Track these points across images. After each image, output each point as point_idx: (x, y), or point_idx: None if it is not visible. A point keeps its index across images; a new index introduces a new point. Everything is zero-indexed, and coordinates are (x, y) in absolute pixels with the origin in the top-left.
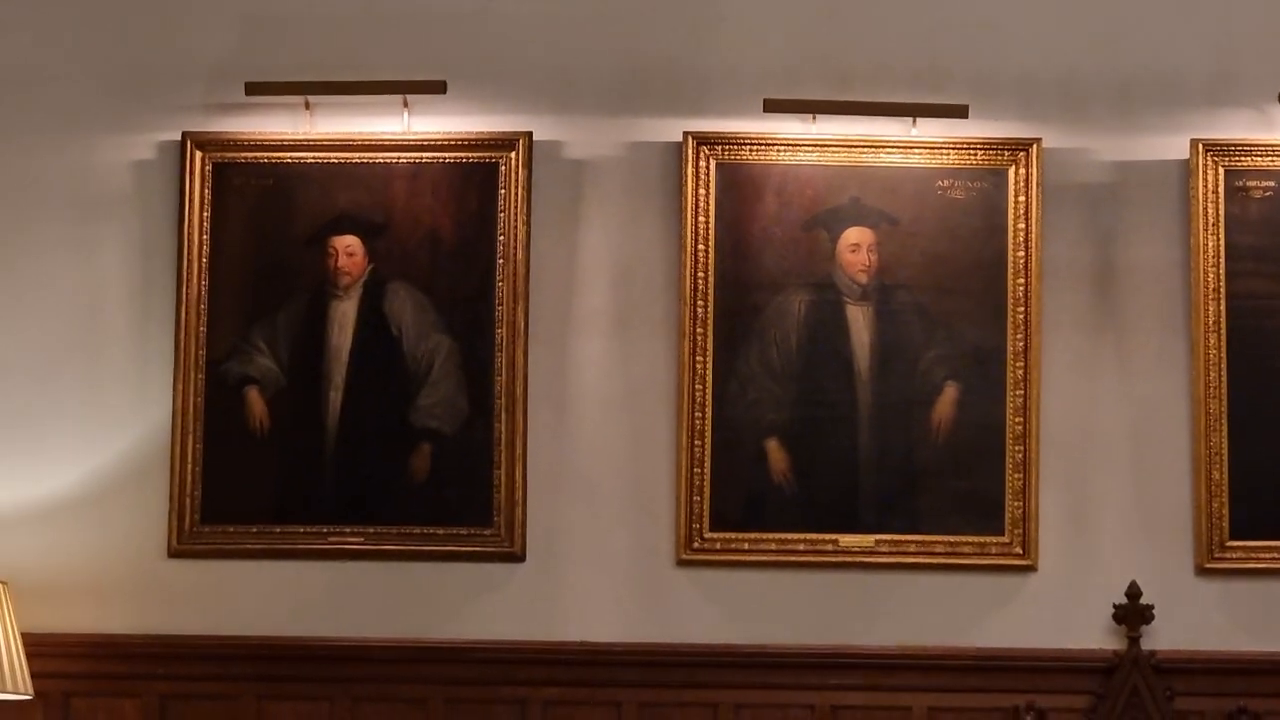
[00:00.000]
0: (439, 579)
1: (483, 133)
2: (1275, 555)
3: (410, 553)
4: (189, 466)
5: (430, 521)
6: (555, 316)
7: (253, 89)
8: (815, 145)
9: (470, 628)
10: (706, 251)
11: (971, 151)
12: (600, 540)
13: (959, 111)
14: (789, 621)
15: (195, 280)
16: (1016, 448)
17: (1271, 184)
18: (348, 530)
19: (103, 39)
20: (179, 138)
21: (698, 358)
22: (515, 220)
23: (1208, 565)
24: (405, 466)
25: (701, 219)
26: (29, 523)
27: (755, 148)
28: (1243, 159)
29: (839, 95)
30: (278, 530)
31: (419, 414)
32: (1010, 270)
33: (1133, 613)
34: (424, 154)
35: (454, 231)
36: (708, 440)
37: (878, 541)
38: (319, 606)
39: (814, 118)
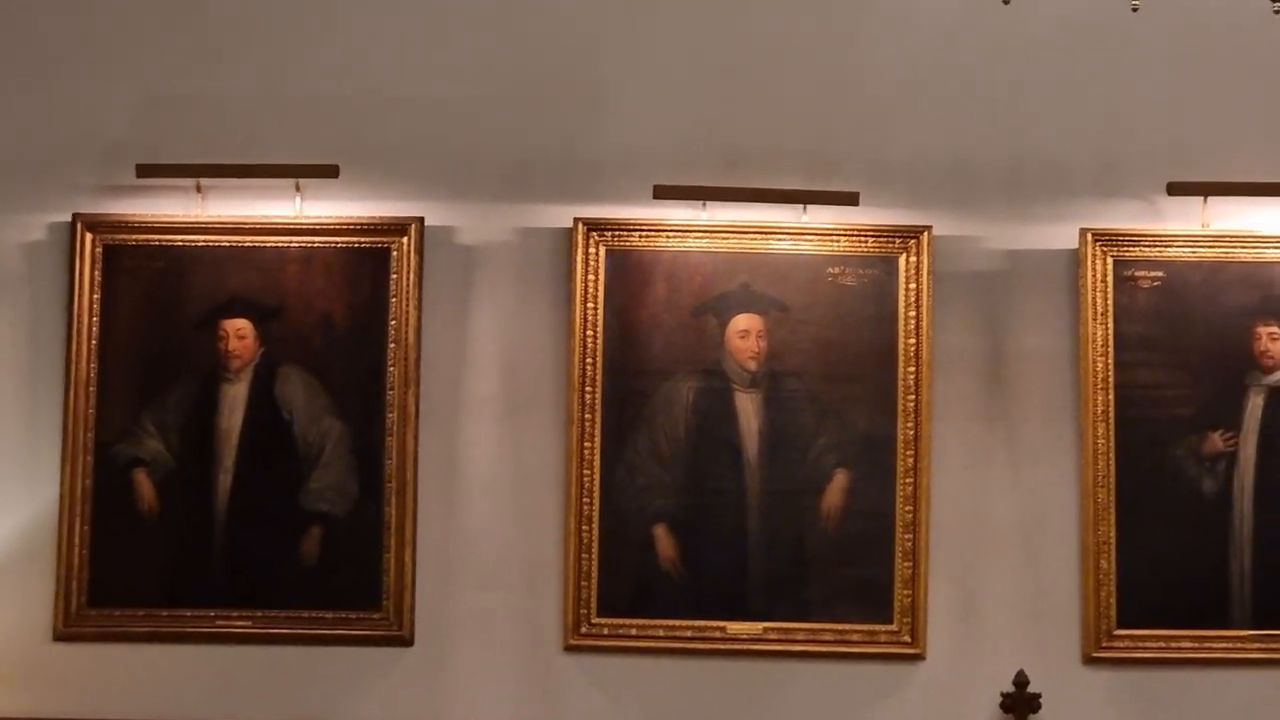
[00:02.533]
0: (327, 663)
1: (375, 217)
2: (1162, 645)
3: (299, 636)
4: (76, 549)
5: (319, 605)
6: (446, 401)
7: (144, 171)
8: (705, 231)
9: (358, 712)
10: (595, 338)
11: (862, 239)
12: (488, 625)
13: (849, 199)
14: (677, 709)
15: (84, 362)
16: (906, 536)
17: (1160, 274)
18: (236, 614)
19: None
20: (69, 219)
21: (586, 444)
22: (407, 305)
23: (1095, 654)
24: (295, 550)
25: (591, 305)
26: None
27: (645, 234)
28: (1131, 249)
29: (729, 182)
30: (165, 613)
31: (309, 497)
32: (901, 358)
33: (1020, 702)
34: (316, 238)
35: (346, 315)
36: (596, 526)
37: (766, 629)
38: (207, 690)
39: (704, 204)
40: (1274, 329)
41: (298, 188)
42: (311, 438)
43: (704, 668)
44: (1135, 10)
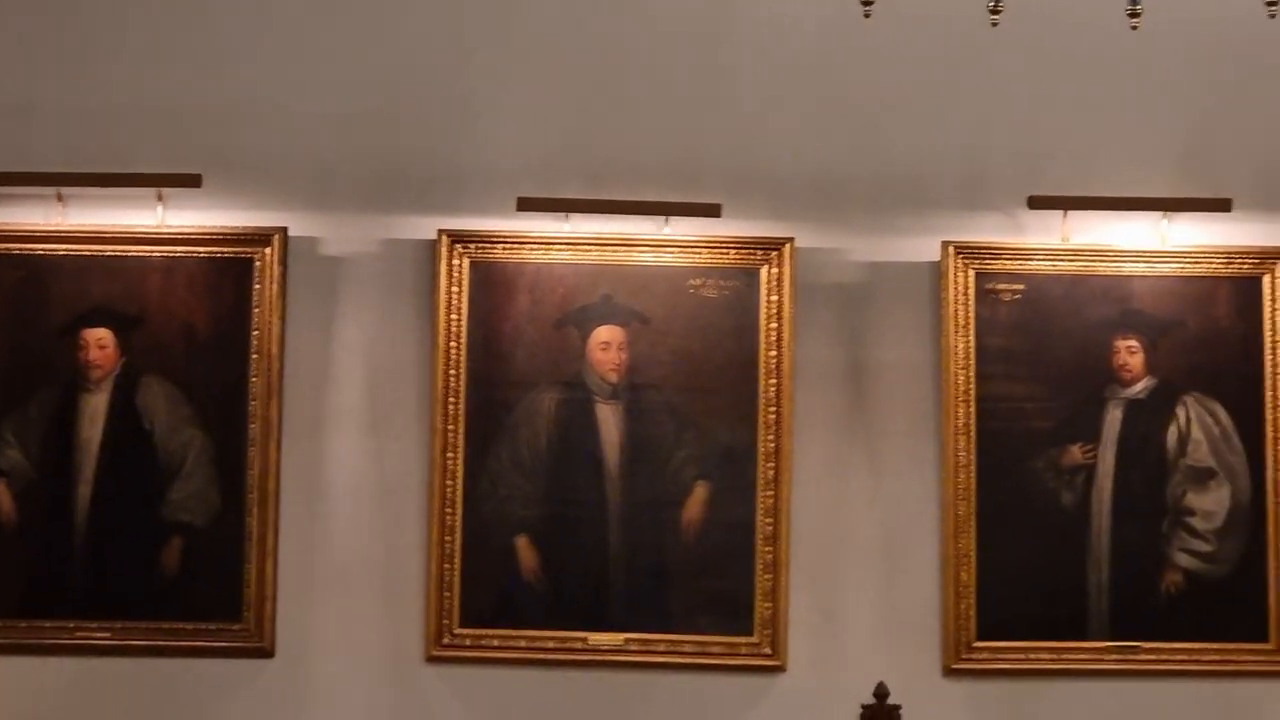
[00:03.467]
0: (187, 675)
1: (238, 228)
2: (1021, 656)
3: (159, 648)
4: None
5: (180, 616)
6: (309, 412)
7: (4, 179)
8: (568, 243)
9: None
10: (459, 349)
11: (724, 250)
12: (350, 636)
13: (711, 210)
14: None
15: None
16: (766, 548)
17: (1021, 287)
18: (95, 625)
19: None
20: None
21: (449, 455)
22: (270, 316)
23: (955, 666)
24: (155, 561)
25: (454, 316)
26: None
27: (508, 246)
28: (993, 262)
29: (593, 194)
30: (23, 625)
31: (170, 508)
32: (762, 370)
33: (880, 713)
34: (179, 248)
35: (209, 326)
36: (458, 537)
37: (627, 640)
38: (65, 702)
39: (567, 216)
40: (1132, 343)
41: (160, 197)
42: (173, 448)
43: (565, 678)
44: (995, 24)
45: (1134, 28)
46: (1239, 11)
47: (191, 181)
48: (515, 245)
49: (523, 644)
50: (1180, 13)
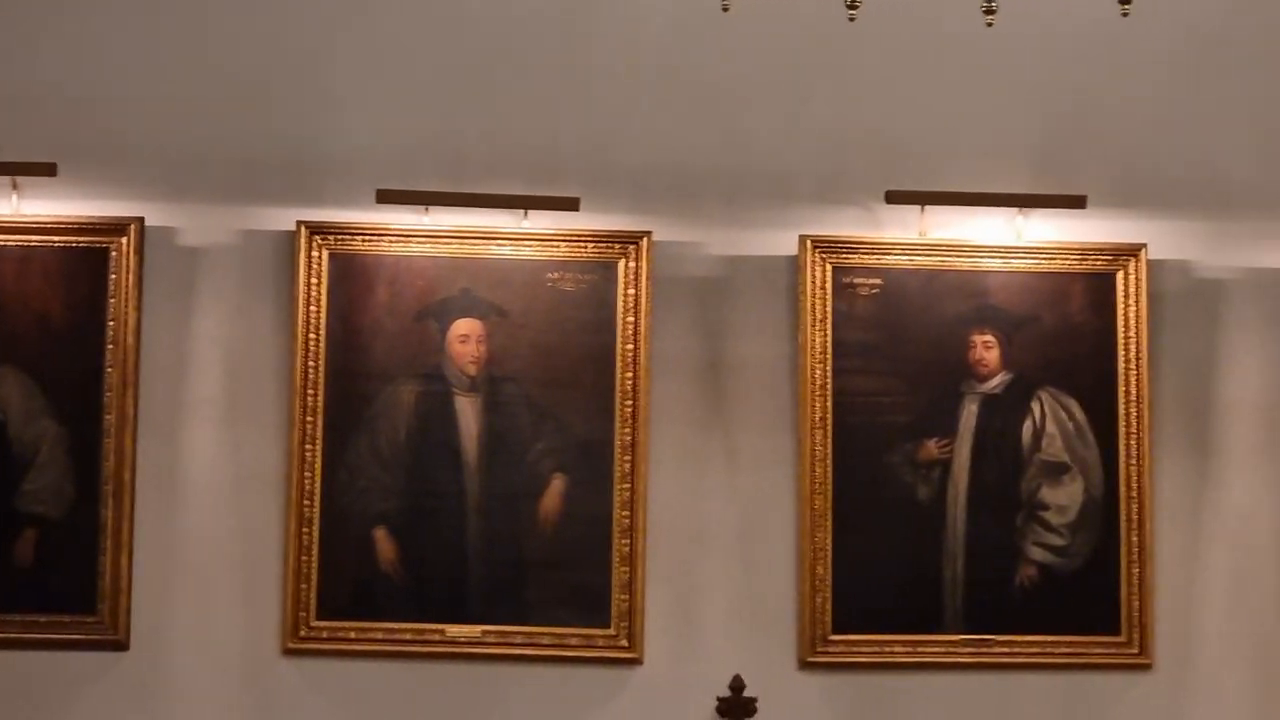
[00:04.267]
0: (41, 668)
1: (94, 217)
2: (876, 649)
3: (11, 640)
4: None
5: (33, 609)
6: (166, 403)
7: None
8: (428, 236)
9: (73, 717)
10: (318, 341)
11: (582, 244)
12: (206, 629)
13: (570, 204)
14: (396, 713)
15: None
16: (624, 541)
17: (878, 281)
18: None
19: None
20: None
21: (307, 446)
22: (126, 306)
23: (811, 659)
24: (8, 552)
25: (313, 308)
26: None
27: (368, 238)
28: (850, 256)
29: (452, 187)
30: None
31: (24, 499)
32: (619, 363)
33: (736, 706)
34: (33, 237)
35: (64, 316)
36: (316, 528)
37: (485, 632)
38: None
39: (427, 209)
40: (988, 337)
41: (14, 185)
42: (27, 439)
43: (423, 671)
44: (853, 19)
45: (989, 24)
46: (1094, 10)
47: (46, 170)
48: (375, 237)
49: (380, 636)
50: (1037, 11)
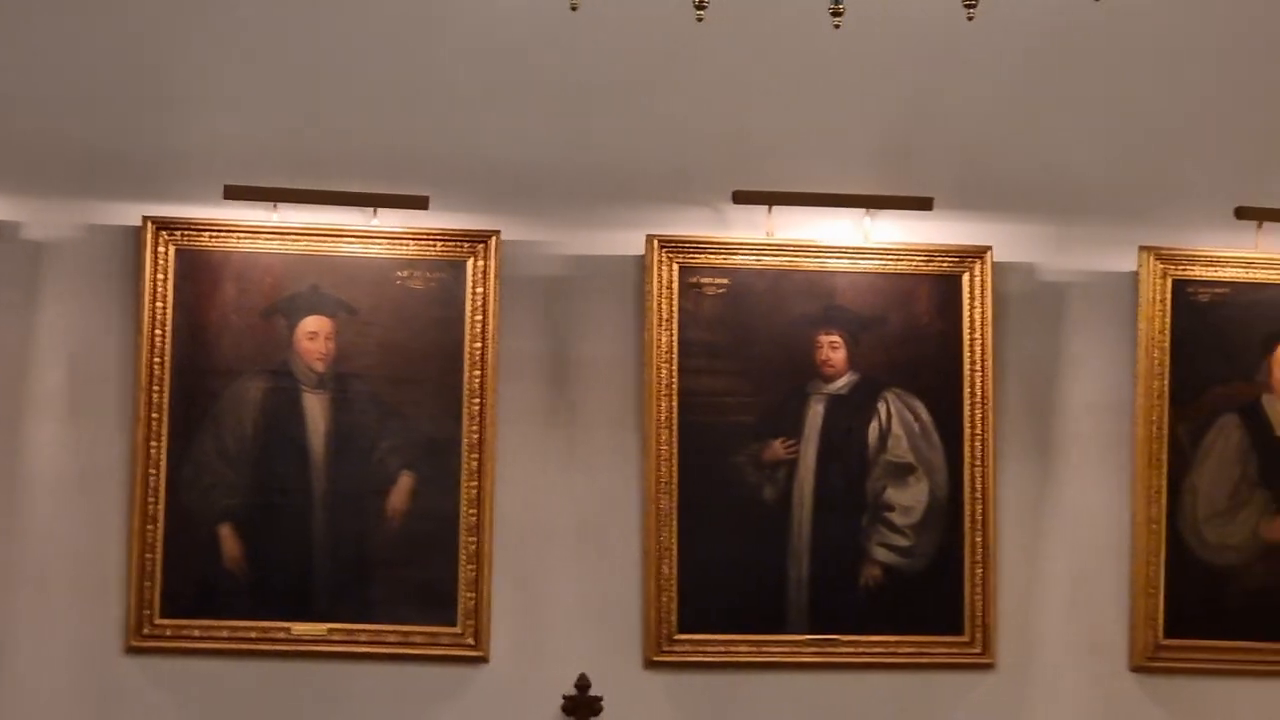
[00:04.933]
0: None
1: None
2: (721, 649)
3: None
4: None
5: None
6: (8, 399)
7: None
8: (276, 233)
9: None
10: (164, 337)
11: (431, 242)
12: (48, 627)
13: (419, 203)
14: (240, 711)
15: None
16: (470, 539)
17: (725, 281)
18: None
19: None
20: None
21: (152, 443)
22: None
23: (656, 658)
24: None
25: (160, 304)
26: None
27: (215, 234)
28: (697, 256)
29: (301, 184)
30: None
31: None
32: (467, 362)
33: (582, 704)
34: None
35: None
36: (161, 525)
37: (330, 630)
38: None
39: (275, 205)
40: (835, 338)
41: None
42: None
43: (268, 669)
44: (700, 19)
45: (837, 26)
46: (940, 12)
47: None
48: (222, 234)
49: (225, 634)
50: (884, 13)
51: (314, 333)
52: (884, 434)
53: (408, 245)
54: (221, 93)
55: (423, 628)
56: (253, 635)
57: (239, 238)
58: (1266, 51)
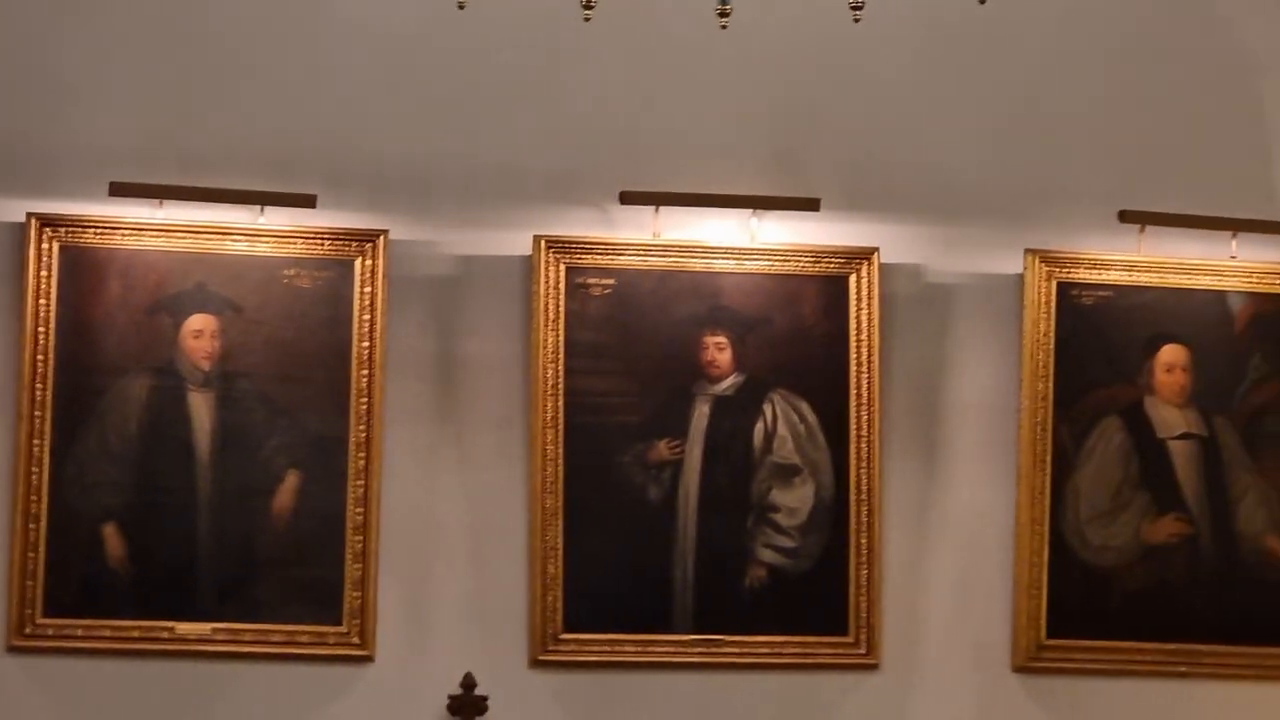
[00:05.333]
0: None
1: None
2: (607, 648)
3: None
4: None
5: None
6: None
7: None
8: (162, 230)
9: None
10: (47, 334)
11: (319, 241)
12: None
13: (307, 201)
14: (124, 711)
15: None
16: (357, 538)
17: (611, 282)
18: None
19: None
20: None
21: (35, 441)
22: None
23: (541, 657)
24: None
25: (43, 302)
26: None
27: (100, 231)
28: (584, 256)
29: (188, 181)
30: None
31: None
32: (355, 361)
33: (467, 704)
34: None
35: None
36: (43, 524)
37: (215, 630)
38: None
39: (161, 203)
40: (720, 339)
41: None
42: None
43: (151, 669)
44: (588, 19)
45: (724, 26)
46: (827, 15)
47: None
48: (107, 231)
49: (108, 634)
50: (771, 14)
51: (200, 331)
52: (769, 435)
53: (295, 244)
54: (107, 89)
55: (308, 627)
56: (136, 635)
57: (124, 235)
58: (1151, 56)
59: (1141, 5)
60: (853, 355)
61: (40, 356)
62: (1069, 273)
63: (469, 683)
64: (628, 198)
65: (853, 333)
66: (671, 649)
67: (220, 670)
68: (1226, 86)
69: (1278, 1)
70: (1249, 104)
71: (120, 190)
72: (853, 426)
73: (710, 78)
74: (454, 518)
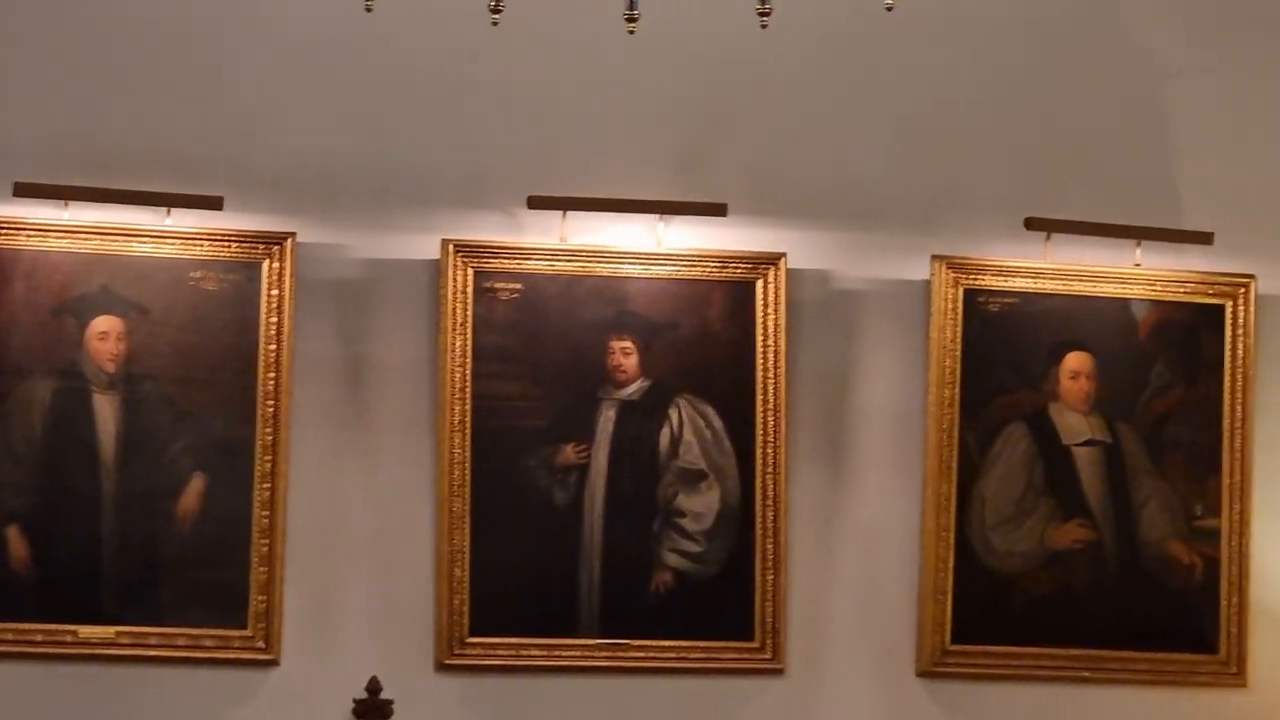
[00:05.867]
0: None
1: None
2: (513, 652)
3: None
4: None
5: None
6: None
7: None
8: (66, 232)
9: None
10: None
11: (226, 244)
12: None
13: (214, 203)
14: (26, 715)
15: None
16: (262, 541)
17: (519, 286)
18: None
19: None
20: None
21: None
22: None
23: (448, 661)
24: None
25: None
26: None
27: (4, 232)
28: (492, 261)
29: (94, 182)
30: None
31: None
32: (261, 364)
33: (372, 708)
34: None
35: None
36: None
37: (119, 633)
38: None
39: (66, 204)
40: (627, 343)
41: None
42: None
43: (54, 672)
44: (495, 24)
45: (631, 32)
46: (735, 20)
47: None
48: (11, 231)
49: (10, 637)
50: (679, 20)
51: (105, 333)
52: (675, 440)
53: (202, 246)
54: (11, 88)
55: (213, 631)
56: (38, 638)
57: (28, 235)
58: (1058, 64)
59: (1048, 13)
60: (759, 361)
61: None
62: (975, 279)
63: (374, 687)
64: (535, 202)
65: (759, 338)
66: (577, 653)
67: (124, 674)
68: (1132, 95)
69: (1183, 11)
70: (1154, 113)
71: (25, 191)
72: (759, 432)
73: (618, 83)
74: (360, 521)
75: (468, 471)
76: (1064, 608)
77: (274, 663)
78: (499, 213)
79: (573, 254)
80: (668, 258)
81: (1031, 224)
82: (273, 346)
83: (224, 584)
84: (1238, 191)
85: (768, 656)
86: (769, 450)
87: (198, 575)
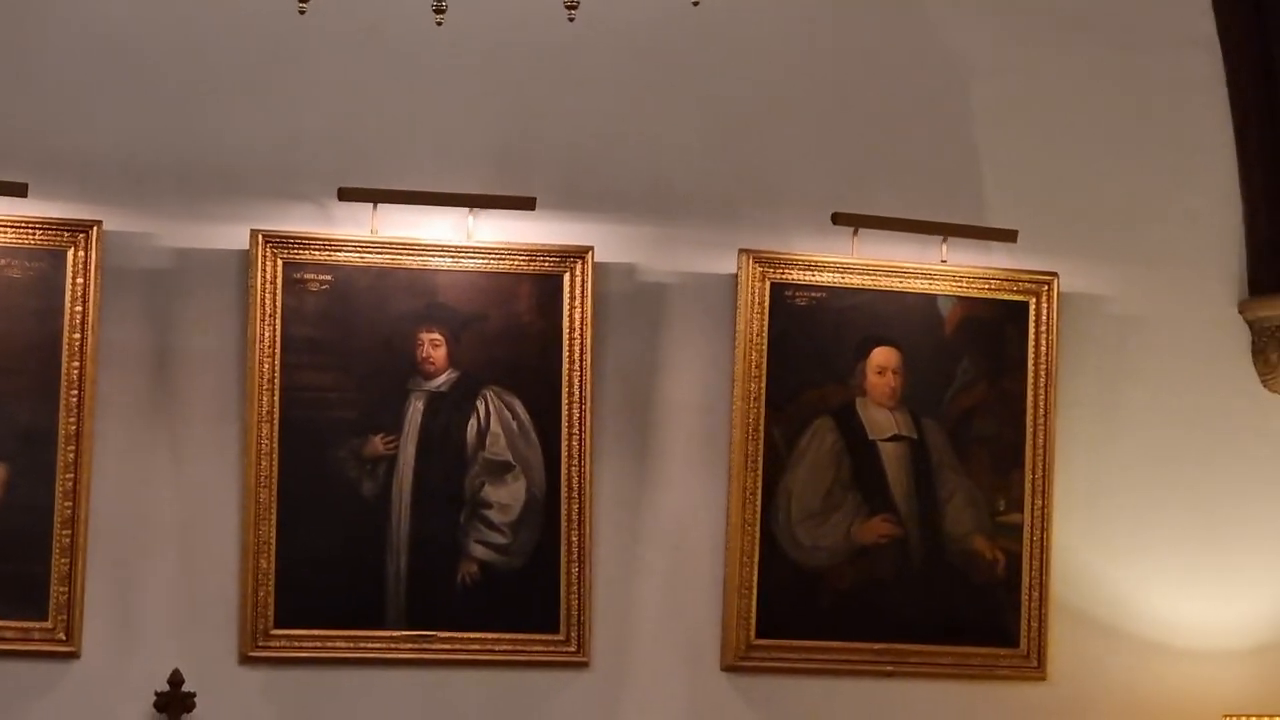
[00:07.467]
0: None
1: None
2: (318, 644)
3: None
4: None
5: None
6: None
7: None
8: None
9: None
10: None
11: (30, 231)
12: None
13: (18, 190)
14: None
15: None
16: (65, 532)
17: (329, 277)
18: None
19: None
20: None
21: None
22: None
23: (251, 653)
24: None
25: None
26: None
27: None
28: (302, 252)
29: None
30: None
31: None
32: (66, 352)
33: (174, 701)
34: None
35: None
36: None
37: None
38: None
39: None
40: (436, 335)
41: None
42: None
43: None
44: (303, 12)
45: (439, 23)
46: (544, 14)
47: None
48: None
49: None
50: (490, 13)
51: None
52: (483, 431)
53: (6, 233)
54: None
55: (13, 623)
56: None
57: None
58: (864, 60)
59: (853, 10)
60: (566, 353)
61: None
62: (782, 273)
63: (176, 679)
64: (346, 194)
65: (566, 331)
66: (383, 645)
67: None
68: (939, 94)
69: (989, 11)
70: (959, 110)
71: None
72: (565, 424)
73: (429, 75)
74: (165, 512)
75: (275, 462)
76: (869, 602)
77: (75, 655)
78: (309, 204)
79: (383, 246)
80: (477, 250)
81: (839, 219)
82: (77, 335)
83: (25, 575)
84: (1042, 190)
85: (573, 649)
86: (575, 442)
87: (0, 567)
